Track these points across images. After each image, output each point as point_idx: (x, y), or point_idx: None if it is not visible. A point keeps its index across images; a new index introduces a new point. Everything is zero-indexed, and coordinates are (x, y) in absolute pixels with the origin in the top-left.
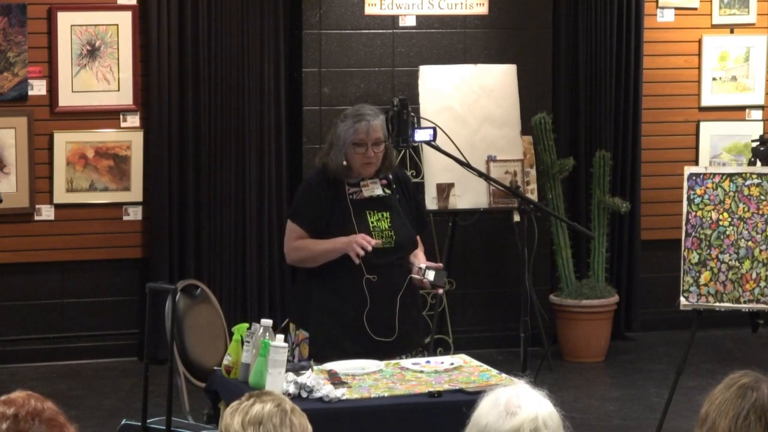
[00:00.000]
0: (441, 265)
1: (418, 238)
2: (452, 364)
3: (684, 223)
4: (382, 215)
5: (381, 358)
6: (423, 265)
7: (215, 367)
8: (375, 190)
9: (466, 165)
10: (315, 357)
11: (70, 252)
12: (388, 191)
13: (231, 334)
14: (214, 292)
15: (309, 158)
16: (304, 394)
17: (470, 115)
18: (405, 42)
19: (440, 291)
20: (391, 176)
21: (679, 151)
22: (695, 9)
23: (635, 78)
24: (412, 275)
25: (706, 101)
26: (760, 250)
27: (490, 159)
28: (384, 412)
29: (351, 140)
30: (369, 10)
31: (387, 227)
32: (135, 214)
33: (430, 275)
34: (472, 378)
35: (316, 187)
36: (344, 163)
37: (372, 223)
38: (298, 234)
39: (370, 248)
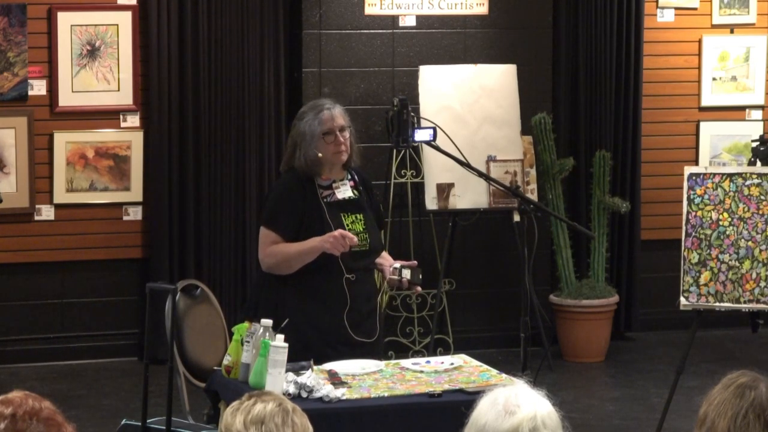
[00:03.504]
0: (415, 262)
1: None
2: (452, 364)
3: (684, 223)
4: (356, 217)
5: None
6: (398, 265)
7: (215, 367)
8: (346, 192)
9: (466, 165)
10: (289, 360)
11: (70, 252)
12: (356, 193)
13: (231, 334)
14: (214, 292)
15: None
16: (304, 394)
17: (470, 115)
18: (405, 42)
19: (419, 289)
20: (357, 178)
21: (679, 151)
22: (695, 9)
23: (635, 78)
24: (391, 277)
25: (706, 101)
26: (760, 250)
27: (490, 159)
28: (384, 412)
29: (319, 131)
30: (369, 10)
31: (362, 230)
32: (135, 214)
33: (407, 274)
34: (472, 378)
35: (289, 191)
36: (319, 155)
37: (347, 225)
38: (272, 239)
39: (354, 242)
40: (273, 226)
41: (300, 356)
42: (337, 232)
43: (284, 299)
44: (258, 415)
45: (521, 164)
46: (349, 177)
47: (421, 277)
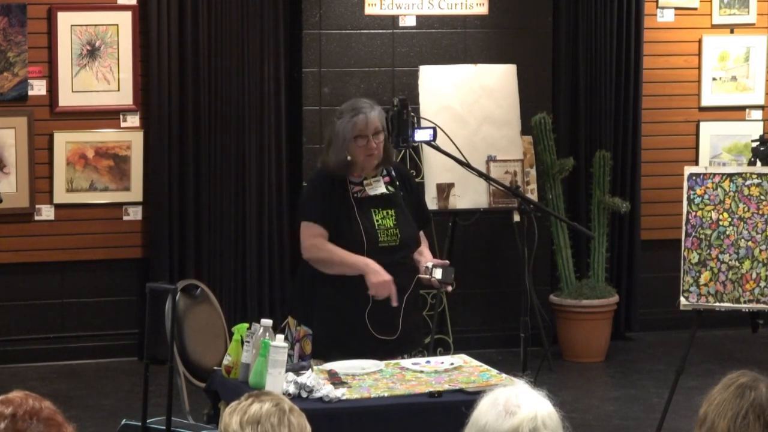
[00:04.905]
0: (447, 262)
1: (422, 234)
2: (452, 364)
3: (684, 223)
4: (387, 213)
5: (382, 356)
6: (429, 264)
7: (215, 367)
8: (378, 188)
9: (466, 165)
10: (318, 354)
11: (70, 252)
12: (391, 188)
13: (231, 334)
14: (214, 292)
15: (309, 158)
16: (304, 394)
17: (470, 115)
18: (405, 42)
19: (449, 288)
20: (393, 173)
21: (679, 151)
22: (695, 9)
23: (635, 78)
24: (420, 275)
25: (706, 101)
26: (760, 250)
27: (490, 159)
28: (384, 412)
29: (351, 134)
30: (369, 10)
31: (392, 225)
32: (135, 214)
33: (438, 273)
34: (472, 378)
35: (321, 185)
36: (348, 158)
37: (377, 221)
38: (318, 232)
39: (394, 303)
40: (314, 218)
41: (330, 350)
42: (389, 279)
43: (315, 290)
44: (254, 416)
45: (521, 164)
46: (384, 173)
47: (453, 276)
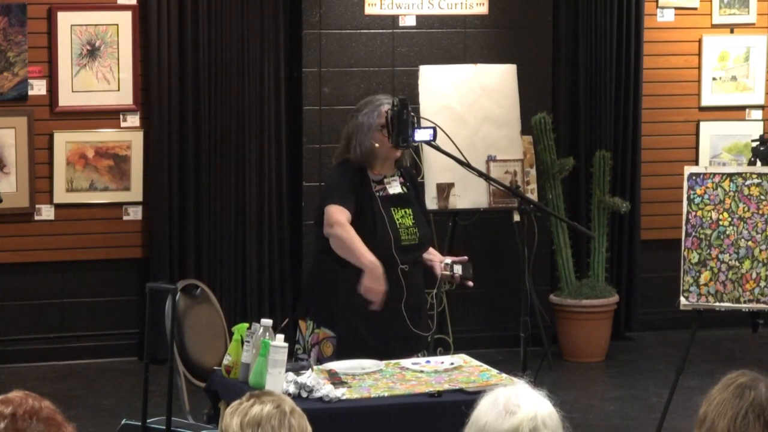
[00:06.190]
0: (466, 258)
1: None
2: (452, 364)
3: (684, 222)
4: (405, 212)
5: (406, 354)
6: (449, 261)
7: (215, 367)
8: (396, 187)
9: (466, 165)
10: (341, 356)
11: (70, 252)
12: (405, 189)
13: (231, 334)
14: (214, 292)
15: (309, 158)
16: (304, 394)
17: (470, 115)
18: (405, 42)
19: (470, 283)
20: (404, 174)
21: (679, 151)
22: (695, 9)
23: (635, 78)
24: (443, 273)
25: (706, 101)
26: (760, 250)
27: (490, 159)
28: (384, 412)
29: (377, 123)
30: (369, 10)
31: (411, 224)
32: (135, 214)
33: (458, 269)
34: (472, 378)
35: (347, 176)
36: (377, 145)
37: (397, 220)
38: (346, 216)
39: (373, 307)
40: (342, 202)
41: (351, 352)
42: (383, 290)
43: (337, 295)
44: (255, 418)
45: (521, 164)
46: (399, 173)
47: (471, 271)
